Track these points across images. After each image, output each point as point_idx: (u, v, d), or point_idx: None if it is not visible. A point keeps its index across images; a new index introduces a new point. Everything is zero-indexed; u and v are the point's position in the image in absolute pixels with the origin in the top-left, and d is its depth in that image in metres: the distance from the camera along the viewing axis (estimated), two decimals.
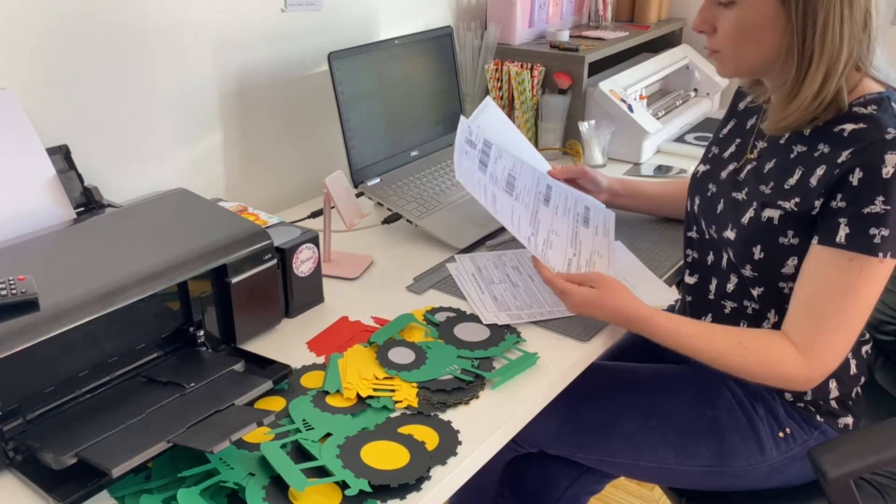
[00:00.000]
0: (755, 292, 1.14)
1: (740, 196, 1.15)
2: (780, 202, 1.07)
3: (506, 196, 1.26)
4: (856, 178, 0.99)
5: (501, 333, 1.14)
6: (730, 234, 1.14)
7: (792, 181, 1.07)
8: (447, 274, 1.32)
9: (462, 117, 1.31)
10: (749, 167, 1.16)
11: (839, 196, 1.00)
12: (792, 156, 1.09)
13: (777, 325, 1.13)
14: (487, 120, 1.38)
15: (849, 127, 1.02)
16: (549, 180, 1.39)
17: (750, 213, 1.11)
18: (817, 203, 1.03)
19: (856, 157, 0.99)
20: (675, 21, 2.35)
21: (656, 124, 1.91)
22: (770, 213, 1.09)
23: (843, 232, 1.00)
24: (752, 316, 1.17)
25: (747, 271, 1.13)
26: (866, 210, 0.98)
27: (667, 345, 1.11)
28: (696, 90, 2.24)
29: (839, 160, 1.01)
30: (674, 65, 2.17)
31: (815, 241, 1.03)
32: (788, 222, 1.07)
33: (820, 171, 1.03)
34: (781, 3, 1.01)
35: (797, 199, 1.06)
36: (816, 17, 0.99)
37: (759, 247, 1.10)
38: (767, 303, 1.13)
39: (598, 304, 1.12)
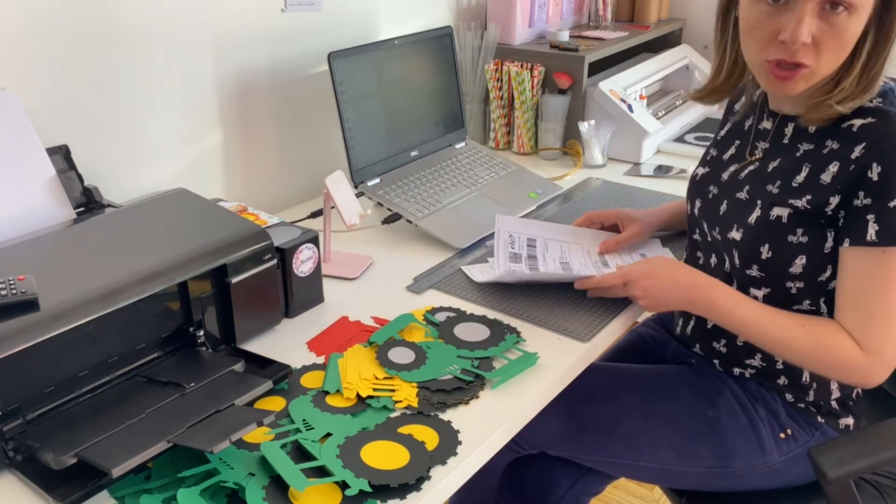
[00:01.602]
0: (759, 294, 1.14)
1: (743, 196, 1.14)
2: (791, 201, 1.07)
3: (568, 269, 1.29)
4: (875, 173, 0.99)
5: (501, 333, 1.14)
6: (735, 234, 1.13)
7: (800, 178, 1.07)
8: (447, 274, 1.32)
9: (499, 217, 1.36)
10: (751, 168, 1.16)
11: (861, 194, 1.01)
12: (798, 154, 1.09)
13: None
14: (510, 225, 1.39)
15: (857, 122, 1.03)
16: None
17: (757, 213, 1.11)
18: (833, 200, 1.03)
19: (871, 152, 1.00)
20: (675, 21, 2.35)
21: (656, 124, 1.91)
22: (779, 211, 1.09)
23: (872, 229, 1.00)
24: None
25: (753, 272, 1.13)
26: (892, 203, 0.99)
27: (724, 324, 1.11)
28: (695, 90, 2.23)
29: (853, 156, 1.01)
30: (674, 65, 2.17)
31: (845, 243, 1.03)
32: (798, 220, 1.07)
33: (833, 168, 1.03)
34: (875, 16, 1.00)
35: (808, 197, 1.06)
36: (892, 30, 0.99)
37: (766, 246, 1.10)
38: (773, 305, 1.12)
39: (657, 274, 1.13)
